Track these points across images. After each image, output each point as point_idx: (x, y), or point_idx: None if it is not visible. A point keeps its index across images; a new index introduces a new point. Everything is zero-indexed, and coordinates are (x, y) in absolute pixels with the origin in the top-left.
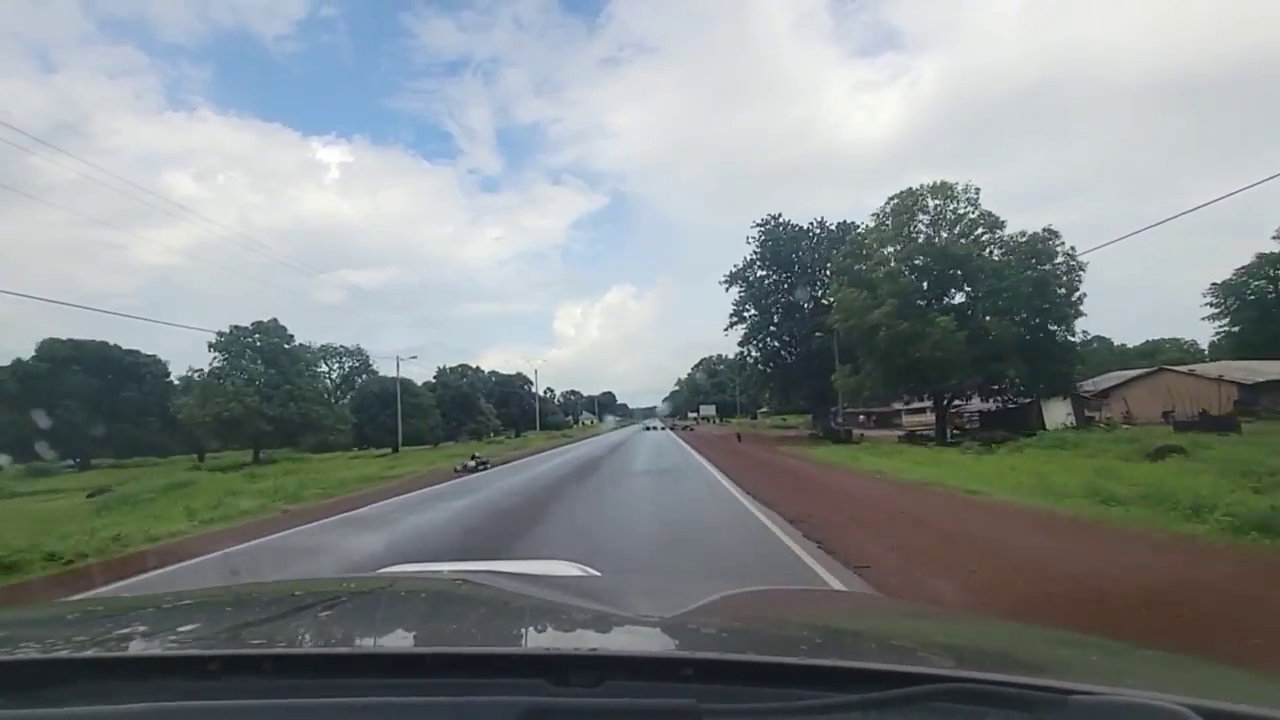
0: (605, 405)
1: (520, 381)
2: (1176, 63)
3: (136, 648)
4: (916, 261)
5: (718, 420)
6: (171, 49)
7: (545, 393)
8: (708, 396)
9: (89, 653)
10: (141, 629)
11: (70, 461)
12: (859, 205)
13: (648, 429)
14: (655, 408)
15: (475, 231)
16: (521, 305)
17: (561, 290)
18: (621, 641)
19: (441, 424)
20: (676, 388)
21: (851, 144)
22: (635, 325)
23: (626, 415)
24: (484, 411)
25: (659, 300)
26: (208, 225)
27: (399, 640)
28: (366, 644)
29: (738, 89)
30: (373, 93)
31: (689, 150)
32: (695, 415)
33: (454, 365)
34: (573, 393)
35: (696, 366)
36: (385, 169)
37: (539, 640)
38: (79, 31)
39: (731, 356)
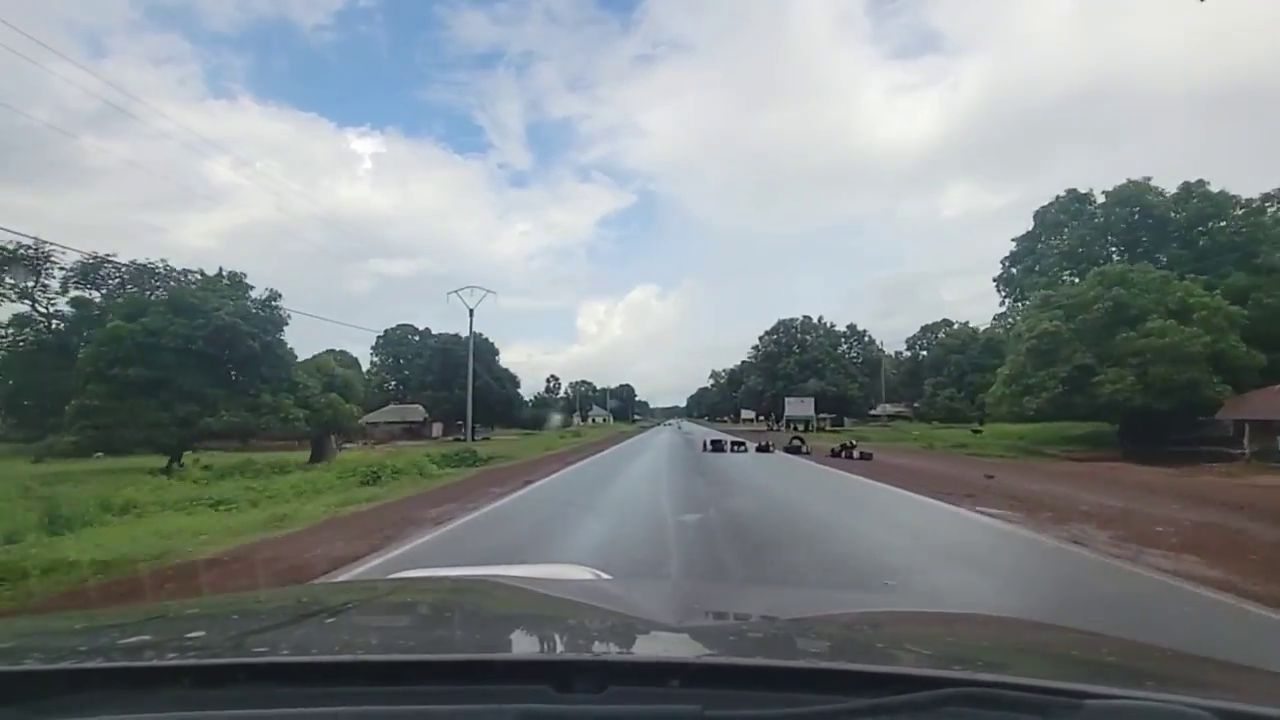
0: (622, 400)
1: (484, 351)
2: (1233, 69)
3: (141, 658)
4: None
5: (813, 425)
6: (214, 37)
7: (548, 382)
8: (791, 384)
9: (94, 663)
10: (147, 638)
11: None
12: (894, 212)
13: (716, 447)
14: (678, 407)
15: (503, 226)
16: (546, 301)
17: (586, 287)
18: (628, 646)
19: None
20: (710, 383)
21: (887, 149)
22: (658, 326)
23: (647, 414)
24: (298, 384)
25: (683, 301)
26: (245, 210)
27: (402, 647)
28: (369, 651)
29: (773, 90)
30: (406, 85)
31: (721, 151)
32: (756, 417)
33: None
34: (583, 383)
35: (771, 333)
36: (417, 161)
37: (544, 646)
38: (127, 18)
39: (814, 318)
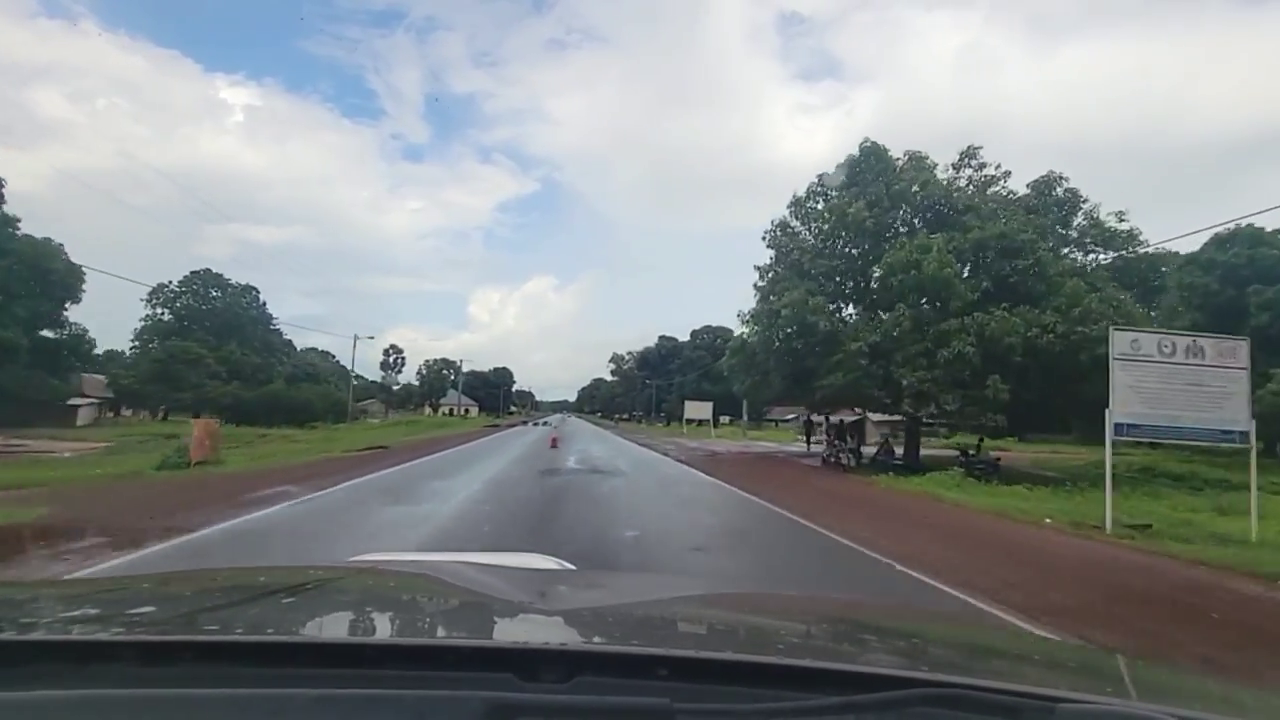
0: (496, 386)
1: None
2: (1075, 127)
3: (83, 631)
4: None
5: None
6: None
7: (387, 355)
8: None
9: (31, 635)
10: (91, 612)
11: None
12: (786, 225)
13: None
14: (568, 401)
15: (393, 201)
16: (436, 284)
17: (480, 273)
18: (595, 637)
19: None
20: (610, 368)
21: (786, 163)
22: (554, 318)
23: (530, 406)
24: None
25: (580, 296)
26: (80, 153)
27: (362, 632)
28: (327, 634)
29: (683, 94)
30: (290, 33)
31: (628, 148)
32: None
33: None
34: (441, 362)
35: (855, 174)
36: (298, 119)
37: (508, 634)
38: None
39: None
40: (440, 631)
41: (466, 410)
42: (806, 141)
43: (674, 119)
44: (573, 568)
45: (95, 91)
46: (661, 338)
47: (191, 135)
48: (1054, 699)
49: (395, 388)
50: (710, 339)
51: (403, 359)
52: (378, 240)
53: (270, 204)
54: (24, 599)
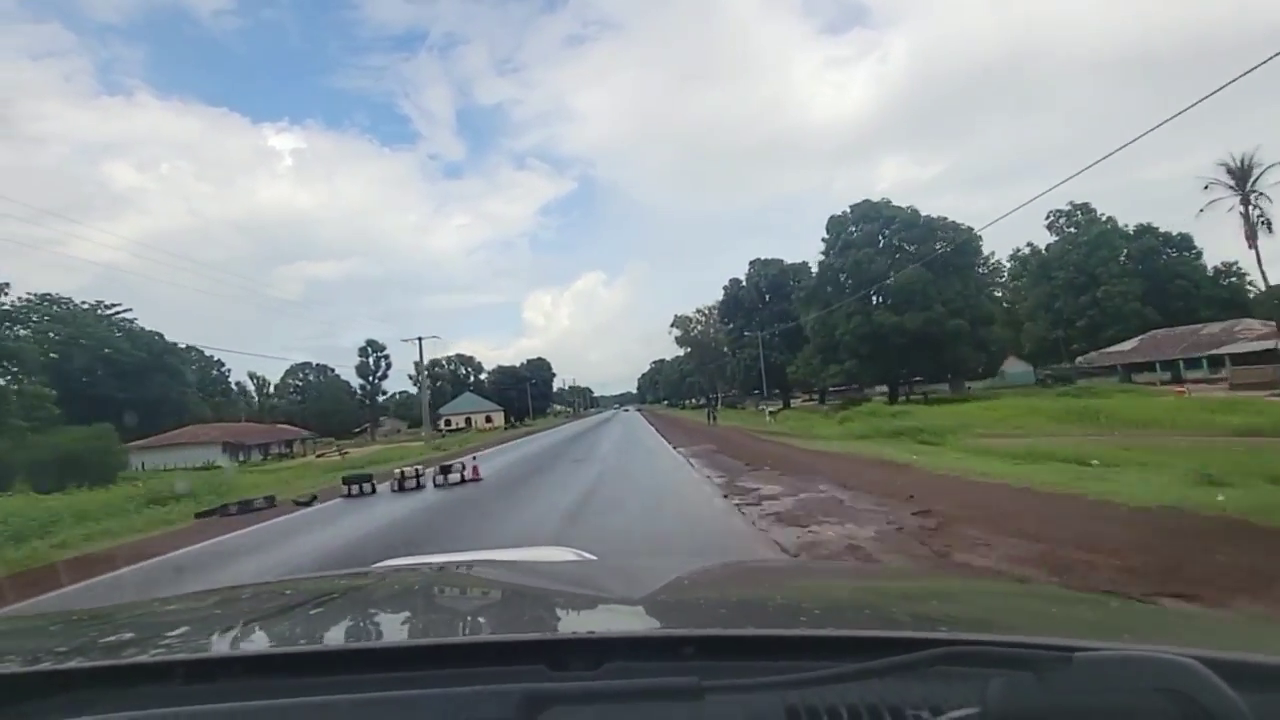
0: (526, 383)
1: None
2: (1134, 36)
3: (123, 655)
4: None
5: None
6: (101, 28)
7: (363, 354)
8: None
9: (73, 663)
10: (127, 636)
11: None
12: (830, 186)
13: None
14: (630, 393)
15: (439, 220)
16: (490, 295)
17: (531, 278)
18: (620, 622)
19: None
20: (675, 335)
21: (821, 123)
22: (607, 313)
23: (586, 404)
24: None
25: (630, 287)
26: (155, 217)
27: (392, 635)
28: (359, 640)
29: (705, 68)
30: (321, 73)
31: (657, 132)
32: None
33: None
34: (452, 360)
35: None
36: (341, 155)
37: (537, 626)
38: None
39: None
40: (470, 629)
41: (489, 418)
42: (840, 96)
43: (700, 96)
44: (594, 558)
45: (159, 157)
46: (755, 262)
47: (250, 185)
48: (1071, 648)
49: (399, 395)
50: (878, 225)
51: (387, 360)
52: (429, 261)
53: (327, 240)
54: (56, 628)
